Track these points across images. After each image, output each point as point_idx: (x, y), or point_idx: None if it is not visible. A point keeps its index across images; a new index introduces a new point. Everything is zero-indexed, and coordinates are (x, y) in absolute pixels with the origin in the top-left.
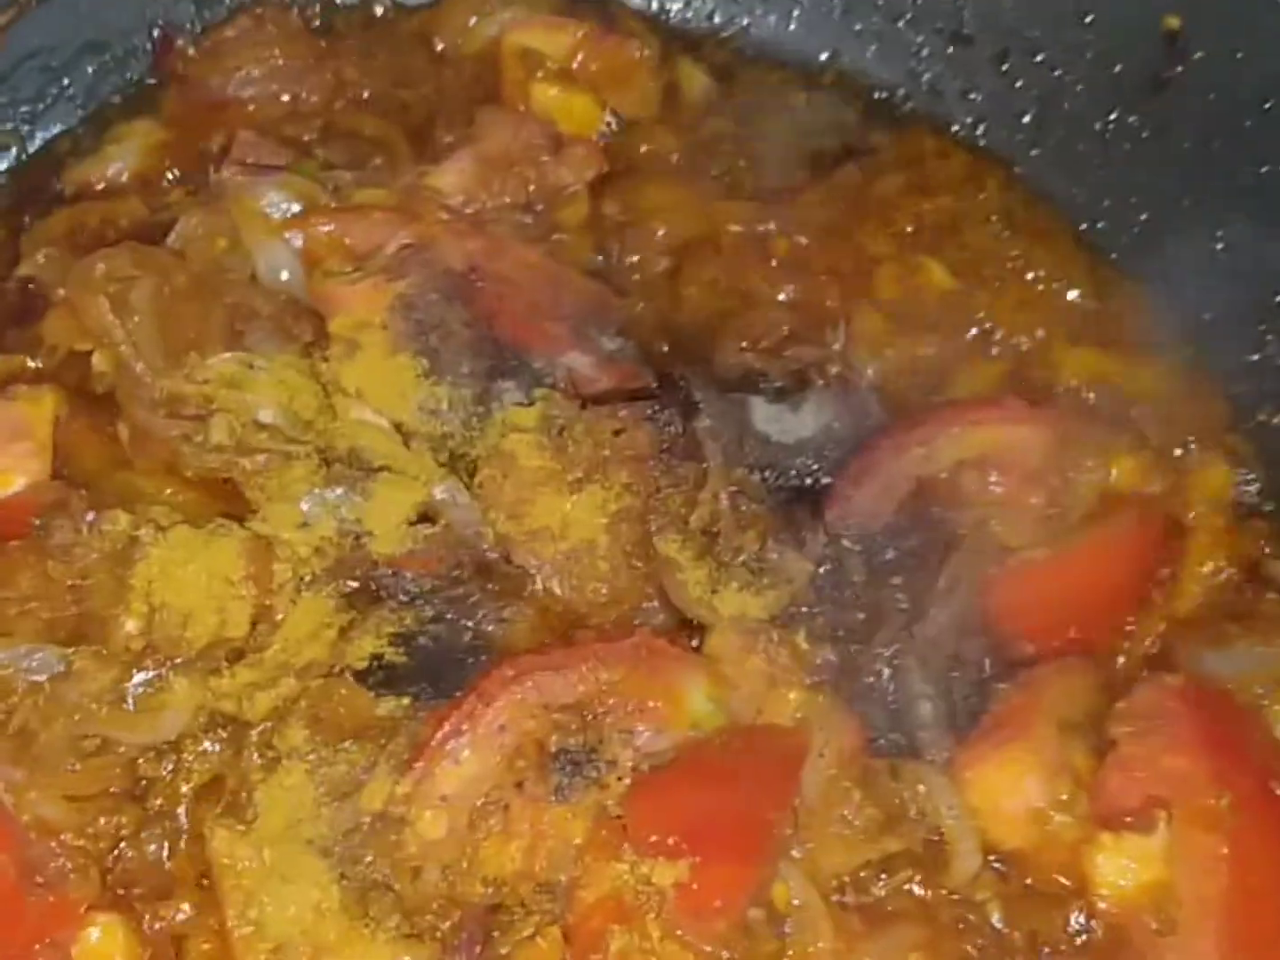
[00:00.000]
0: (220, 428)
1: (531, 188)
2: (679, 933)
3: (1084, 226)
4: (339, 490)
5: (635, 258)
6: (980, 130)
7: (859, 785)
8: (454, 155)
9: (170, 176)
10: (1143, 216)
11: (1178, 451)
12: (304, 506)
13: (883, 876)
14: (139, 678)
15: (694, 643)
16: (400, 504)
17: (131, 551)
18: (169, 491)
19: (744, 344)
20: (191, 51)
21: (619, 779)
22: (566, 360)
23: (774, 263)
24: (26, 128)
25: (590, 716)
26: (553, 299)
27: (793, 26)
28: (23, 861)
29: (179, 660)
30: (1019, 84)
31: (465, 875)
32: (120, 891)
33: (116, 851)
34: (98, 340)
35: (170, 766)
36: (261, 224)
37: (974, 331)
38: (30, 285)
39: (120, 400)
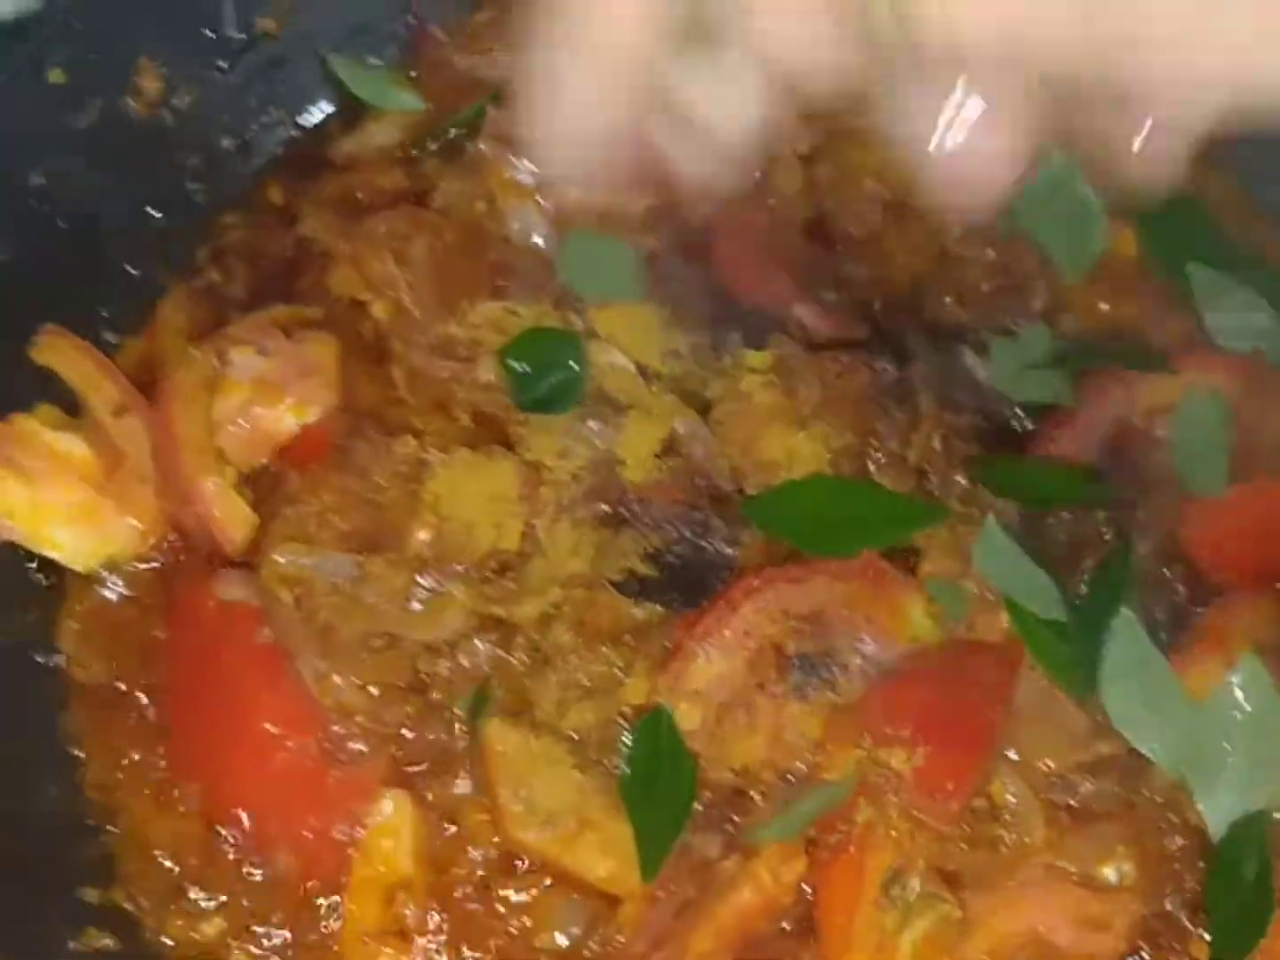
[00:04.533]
0: (488, 368)
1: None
2: (915, 812)
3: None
4: (595, 424)
5: (851, 214)
6: None
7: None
8: None
9: (427, 149)
10: None
11: None
12: (563, 438)
13: (1089, 780)
14: (424, 582)
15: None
16: (648, 437)
17: (420, 471)
18: (439, 426)
19: (951, 298)
20: (444, 36)
21: (849, 682)
22: (792, 312)
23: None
24: (299, 106)
25: (823, 626)
26: (776, 256)
27: None
28: (325, 741)
29: (459, 568)
30: None
31: (714, 762)
32: (406, 770)
33: (403, 736)
34: (379, 291)
35: (448, 664)
36: (515, 189)
37: (1167, 293)
38: (304, 243)
39: (396, 345)
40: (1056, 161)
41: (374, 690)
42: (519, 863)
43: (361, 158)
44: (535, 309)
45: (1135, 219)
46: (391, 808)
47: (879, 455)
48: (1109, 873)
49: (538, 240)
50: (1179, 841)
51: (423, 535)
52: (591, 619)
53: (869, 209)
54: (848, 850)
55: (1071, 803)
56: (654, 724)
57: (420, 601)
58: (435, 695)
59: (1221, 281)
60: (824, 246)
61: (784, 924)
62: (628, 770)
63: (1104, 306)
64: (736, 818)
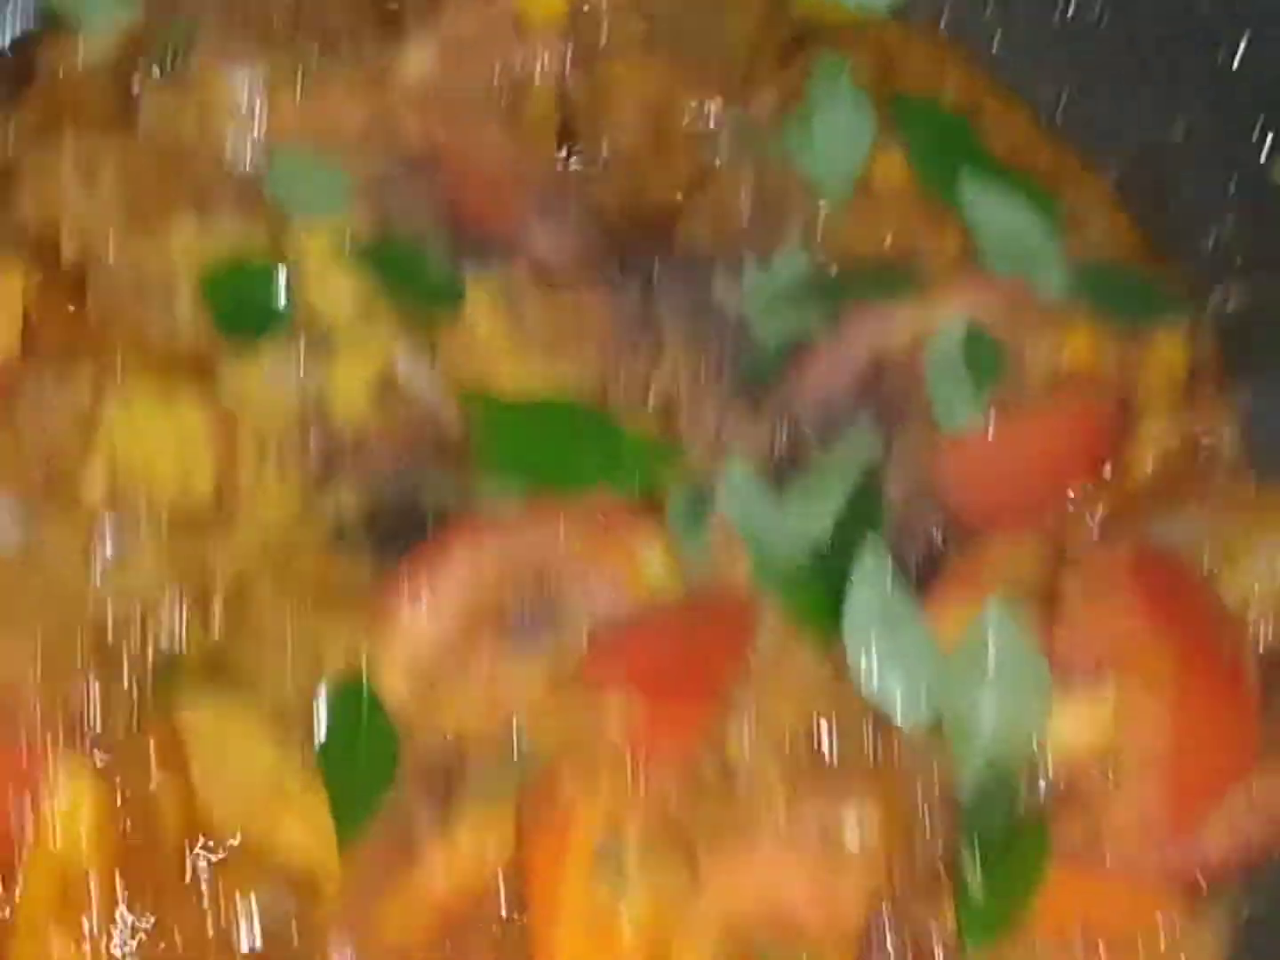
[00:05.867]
0: (185, 297)
1: (496, 72)
2: (629, 771)
3: (1045, 116)
4: (303, 359)
5: (605, 139)
6: (943, 21)
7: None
8: (419, 39)
9: (141, 64)
10: (1104, 105)
11: (1132, 330)
12: (269, 374)
13: (833, 733)
14: (107, 540)
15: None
16: (362, 373)
17: (97, 416)
18: (134, 362)
19: (706, 223)
20: None
21: (574, 638)
22: (528, 239)
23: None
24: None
25: (549, 577)
26: (514, 180)
27: None
28: None
29: (145, 522)
30: None
31: (424, 727)
32: (91, 751)
33: (86, 709)
34: (66, 216)
35: (137, 630)
36: (227, 107)
37: (931, 215)
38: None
39: (88, 275)
40: (826, 73)
41: (52, 661)
42: (213, 843)
43: (68, 74)
44: (239, 235)
45: (903, 139)
46: (71, 785)
47: (620, 391)
48: (849, 831)
49: (248, 161)
50: (928, 795)
51: (98, 488)
52: (294, 578)
53: (624, 127)
54: (554, 817)
55: (813, 758)
56: (353, 690)
57: (103, 562)
58: (123, 664)
59: (992, 198)
60: (573, 168)
61: (499, 900)
62: (323, 741)
63: (868, 232)
64: (456, 786)
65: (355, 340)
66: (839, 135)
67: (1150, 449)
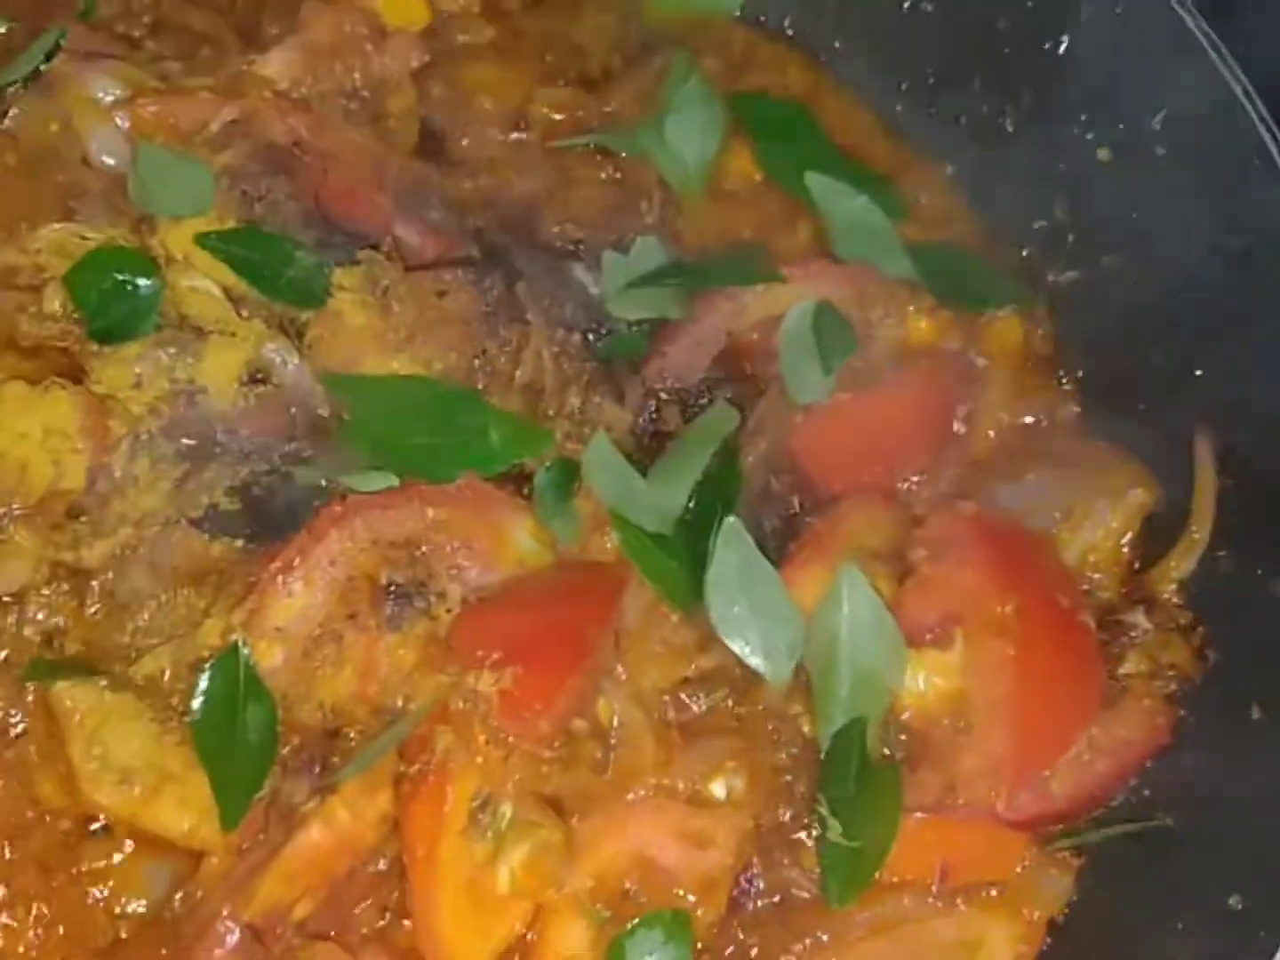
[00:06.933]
0: (54, 296)
1: (357, 76)
2: (503, 735)
3: (883, 110)
4: (171, 350)
5: (465, 133)
6: (786, 21)
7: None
8: (280, 45)
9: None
10: (936, 98)
11: (971, 309)
12: (136, 367)
13: (700, 695)
14: None
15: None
16: (231, 364)
17: None
18: (7, 362)
19: (566, 216)
20: None
21: (448, 610)
22: (391, 232)
23: (592, 145)
24: None
25: (419, 553)
26: (376, 175)
27: None
28: None
29: (18, 511)
30: None
31: (302, 701)
32: None
33: None
34: None
35: (14, 618)
36: (92, 108)
37: (782, 208)
38: None
39: None
40: (678, 75)
41: None
42: (97, 826)
43: None
44: (105, 231)
45: (750, 135)
46: None
47: (487, 376)
48: (717, 788)
49: (112, 160)
50: (791, 752)
51: None
52: (166, 559)
53: (484, 128)
54: (430, 782)
55: (684, 720)
56: (227, 664)
57: None
58: (1, 653)
59: (838, 188)
60: (436, 166)
61: (380, 864)
62: (200, 716)
63: (723, 222)
64: (336, 759)
65: (224, 331)
66: (691, 134)
67: (991, 419)
